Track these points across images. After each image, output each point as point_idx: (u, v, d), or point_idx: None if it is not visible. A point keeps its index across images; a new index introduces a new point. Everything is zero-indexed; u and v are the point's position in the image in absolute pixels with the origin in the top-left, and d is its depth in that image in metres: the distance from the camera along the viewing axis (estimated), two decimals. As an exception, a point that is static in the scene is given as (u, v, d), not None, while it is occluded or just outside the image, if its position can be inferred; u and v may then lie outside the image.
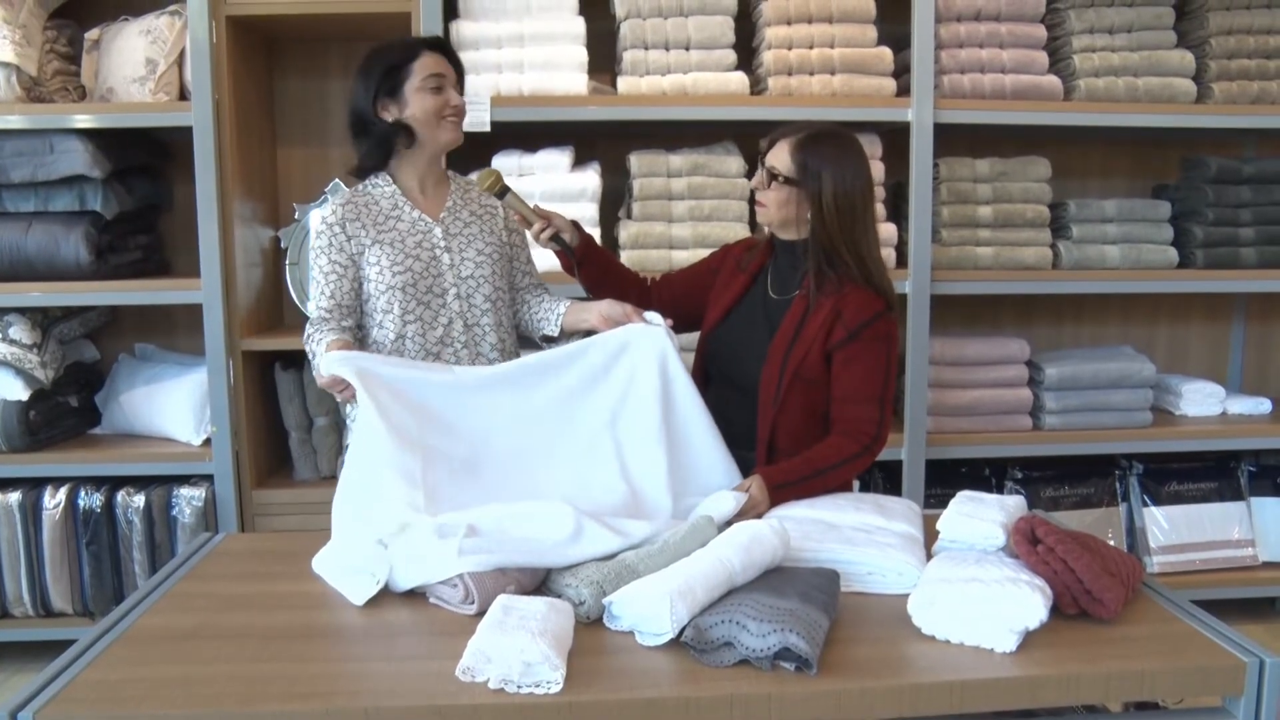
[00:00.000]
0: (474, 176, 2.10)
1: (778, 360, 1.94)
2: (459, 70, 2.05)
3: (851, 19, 2.91)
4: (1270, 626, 3.22)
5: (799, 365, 1.93)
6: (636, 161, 2.95)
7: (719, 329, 2.07)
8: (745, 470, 1.90)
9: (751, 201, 2.89)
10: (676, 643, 1.35)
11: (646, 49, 2.88)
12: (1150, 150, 3.46)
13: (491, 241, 2.08)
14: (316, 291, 1.99)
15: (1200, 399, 3.31)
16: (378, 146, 2.01)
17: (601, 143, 3.10)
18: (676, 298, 2.17)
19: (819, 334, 1.93)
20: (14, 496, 2.87)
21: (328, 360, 1.74)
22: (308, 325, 1.96)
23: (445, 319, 2.00)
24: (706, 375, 2.09)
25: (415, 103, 1.96)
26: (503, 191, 2.06)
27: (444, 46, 2.04)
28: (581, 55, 2.85)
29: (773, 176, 1.95)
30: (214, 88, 2.77)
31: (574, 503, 1.64)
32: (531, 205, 2.10)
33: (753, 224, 2.95)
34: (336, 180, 3.13)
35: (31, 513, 2.87)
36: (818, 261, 1.95)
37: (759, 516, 1.73)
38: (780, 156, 1.95)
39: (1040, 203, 3.11)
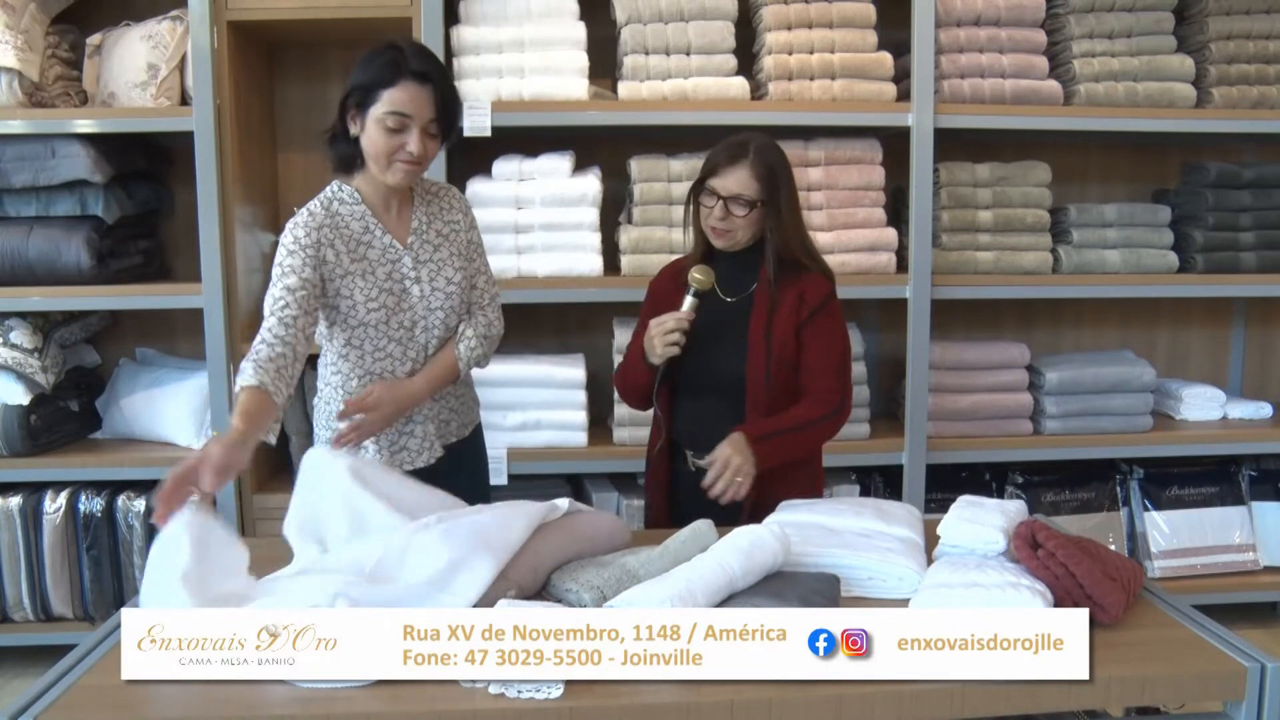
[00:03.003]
0: (695, 272, 1.98)
1: (760, 348, 1.98)
2: (446, 103, 1.84)
3: (852, 24, 2.91)
4: (1272, 631, 3.22)
5: (780, 349, 1.98)
6: (637, 166, 2.95)
7: (686, 346, 2.03)
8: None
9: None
10: (677, 647, 1.35)
11: (647, 54, 2.89)
12: (1150, 155, 3.46)
13: (460, 268, 1.98)
14: (275, 310, 1.78)
15: (1200, 403, 3.31)
16: (340, 161, 1.91)
17: (602, 148, 3.10)
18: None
19: (790, 317, 1.99)
20: (14, 501, 2.87)
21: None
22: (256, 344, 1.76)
23: (413, 353, 1.95)
24: (674, 393, 2.07)
25: (371, 132, 1.81)
26: (700, 293, 1.99)
27: (430, 77, 1.82)
28: (582, 60, 2.85)
29: (750, 205, 1.95)
30: (215, 93, 2.77)
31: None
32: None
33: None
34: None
35: (32, 517, 2.87)
36: (775, 256, 1.99)
37: (742, 473, 1.85)
38: (742, 181, 1.95)
39: (1040, 207, 3.11)
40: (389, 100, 1.79)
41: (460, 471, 2.07)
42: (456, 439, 2.09)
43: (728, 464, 1.86)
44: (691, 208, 2.05)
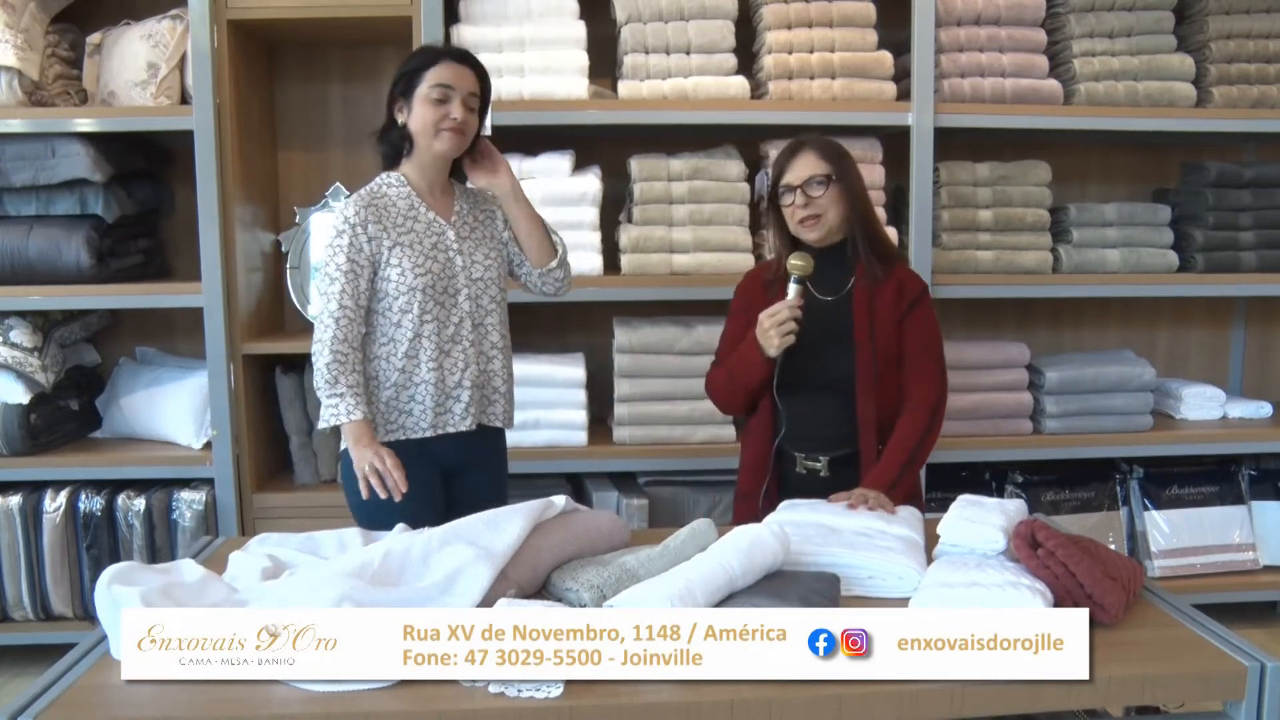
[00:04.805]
0: (793, 259, 2.01)
1: (866, 344, 2.03)
2: (485, 86, 2.08)
3: (852, 23, 2.91)
4: (1271, 631, 3.22)
5: (884, 344, 2.03)
6: (637, 165, 2.95)
7: (792, 347, 2.04)
8: (847, 473, 2.03)
9: (753, 216, 2.93)
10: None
11: (647, 53, 2.88)
12: (1150, 154, 3.46)
13: (495, 246, 2.16)
14: (331, 288, 1.98)
15: (1200, 403, 3.31)
16: (390, 149, 2.09)
17: (602, 147, 3.10)
18: None
19: (891, 311, 2.04)
20: (14, 500, 2.87)
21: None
22: (324, 341, 1.96)
23: (457, 318, 2.06)
24: (777, 394, 2.07)
25: (418, 110, 2.01)
26: (801, 279, 2.01)
27: (468, 59, 2.05)
28: (582, 59, 2.85)
29: (825, 180, 2.02)
30: (215, 92, 2.77)
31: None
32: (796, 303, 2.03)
33: (753, 226, 2.95)
34: (337, 184, 3.13)
35: (32, 516, 2.87)
36: (868, 250, 2.06)
37: (883, 504, 1.87)
38: (809, 164, 2.04)
39: (1040, 206, 3.10)
40: (433, 76, 2.00)
41: (486, 461, 2.16)
42: (491, 424, 2.14)
43: (865, 499, 1.88)
44: (774, 221, 2.13)
